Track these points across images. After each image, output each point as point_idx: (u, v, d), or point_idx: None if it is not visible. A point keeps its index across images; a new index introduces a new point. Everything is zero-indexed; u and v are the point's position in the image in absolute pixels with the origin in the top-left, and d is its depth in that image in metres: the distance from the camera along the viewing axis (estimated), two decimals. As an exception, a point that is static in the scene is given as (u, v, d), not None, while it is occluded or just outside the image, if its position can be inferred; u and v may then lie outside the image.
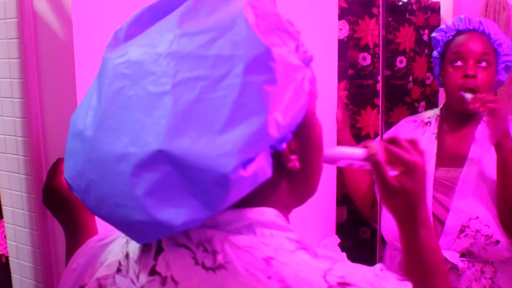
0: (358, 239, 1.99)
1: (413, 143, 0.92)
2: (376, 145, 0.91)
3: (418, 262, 0.90)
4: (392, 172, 0.90)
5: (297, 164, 0.59)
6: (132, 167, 0.50)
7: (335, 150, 0.91)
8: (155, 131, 0.50)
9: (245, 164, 0.50)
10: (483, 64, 1.57)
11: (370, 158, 0.90)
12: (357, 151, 0.91)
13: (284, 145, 0.56)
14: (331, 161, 0.91)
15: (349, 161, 0.92)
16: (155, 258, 0.57)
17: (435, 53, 1.71)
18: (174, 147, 0.49)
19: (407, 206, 0.90)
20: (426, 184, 0.92)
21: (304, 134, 0.60)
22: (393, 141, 0.92)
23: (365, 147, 0.91)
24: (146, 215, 0.51)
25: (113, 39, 0.60)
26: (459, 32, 1.64)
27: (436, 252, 0.91)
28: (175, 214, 0.50)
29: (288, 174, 0.60)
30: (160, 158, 0.49)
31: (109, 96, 0.55)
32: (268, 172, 0.52)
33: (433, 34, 1.72)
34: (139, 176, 0.50)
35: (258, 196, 0.58)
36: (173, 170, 0.50)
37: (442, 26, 1.70)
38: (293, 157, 0.58)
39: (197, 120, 0.50)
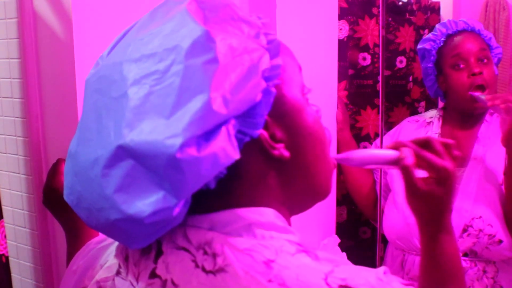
0: (358, 239, 1.99)
1: (448, 146, 0.89)
2: (406, 150, 0.87)
3: (437, 267, 0.89)
4: (420, 174, 0.87)
5: (284, 153, 0.58)
6: (101, 169, 0.53)
7: (363, 153, 0.88)
8: (116, 130, 0.53)
9: (198, 143, 0.50)
10: (485, 60, 1.57)
11: (399, 163, 0.86)
12: (387, 153, 0.88)
13: (262, 132, 0.56)
14: (361, 164, 0.88)
15: (379, 165, 0.90)
16: (155, 261, 0.57)
17: (426, 64, 1.68)
18: (129, 140, 0.51)
19: (434, 211, 0.88)
20: (454, 190, 0.88)
21: (288, 121, 0.60)
22: (426, 144, 0.89)
23: (396, 148, 0.88)
24: (119, 212, 0.52)
25: (95, 65, 0.63)
26: (449, 36, 1.63)
27: (456, 258, 0.90)
28: (143, 206, 0.51)
29: (278, 165, 0.59)
30: (122, 154, 0.52)
31: (86, 112, 0.59)
32: (232, 154, 0.51)
33: (420, 46, 1.69)
34: (108, 176, 0.52)
35: (250, 192, 0.58)
36: (135, 163, 0.51)
37: (428, 35, 1.68)
38: (279, 145, 0.58)
39: (148, 112, 0.52)
